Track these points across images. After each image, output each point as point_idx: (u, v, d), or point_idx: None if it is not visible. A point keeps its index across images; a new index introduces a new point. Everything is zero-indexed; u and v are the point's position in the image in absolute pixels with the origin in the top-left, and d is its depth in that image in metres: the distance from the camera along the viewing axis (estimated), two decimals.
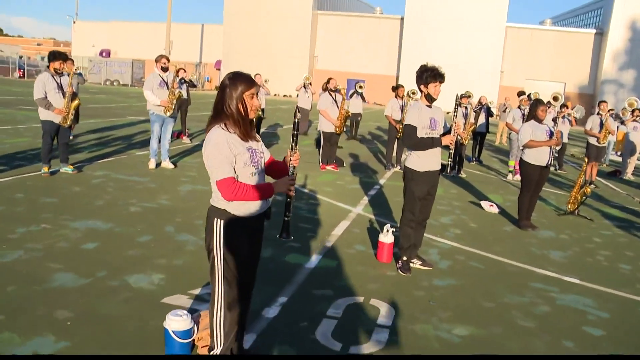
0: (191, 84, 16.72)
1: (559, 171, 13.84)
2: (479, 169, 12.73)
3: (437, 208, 8.13)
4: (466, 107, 11.57)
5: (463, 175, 11.48)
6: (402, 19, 49.87)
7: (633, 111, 14.08)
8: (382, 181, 10.04)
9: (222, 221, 2.89)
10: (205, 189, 7.94)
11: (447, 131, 5.39)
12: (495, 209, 8.28)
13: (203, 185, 8.19)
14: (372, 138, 18.32)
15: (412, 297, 4.58)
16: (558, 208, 8.90)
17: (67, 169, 8.34)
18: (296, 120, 3.09)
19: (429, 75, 4.97)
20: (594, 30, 47.96)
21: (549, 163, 7.29)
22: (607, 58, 45.89)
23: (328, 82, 10.61)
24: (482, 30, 46.69)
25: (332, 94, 10.55)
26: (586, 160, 9.55)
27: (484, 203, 8.44)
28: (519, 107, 11.88)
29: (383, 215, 7.38)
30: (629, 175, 13.92)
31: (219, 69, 51.35)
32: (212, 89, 51.07)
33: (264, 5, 49.98)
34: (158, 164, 9.44)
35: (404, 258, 5.24)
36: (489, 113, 14.05)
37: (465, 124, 11.23)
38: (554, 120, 8.33)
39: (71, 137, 11.49)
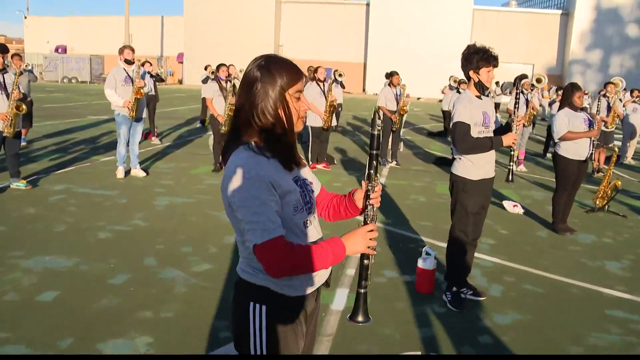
0: (158, 78, 15.42)
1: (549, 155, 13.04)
2: None
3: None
4: (522, 92, 10.57)
5: None
6: (367, 4, 48.85)
7: (632, 92, 13.33)
8: (382, 180, 8.98)
9: (265, 307, 1.74)
10: (186, 202, 6.75)
11: (500, 127, 4.30)
12: (519, 209, 7.31)
13: (182, 197, 6.99)
14: (353, 129, 17.24)
15: (478, 346, 3.53)
16: (582, 204, 7.97)
17: (19, 185, 7.02)
18: (376, 132, 1.92)
19: (480, 58, 3.91)
20: (560, 11, 47.86)
21: (588, 156, 6.34)
22: (574, 39, 45.82)
23: (316, 70, 9.47)
24: (449, 13, 46.04)
25: (320, 84, 9.41)
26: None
27: (506, 203, 7.45)
28: (521, 92, 10.93)
29: (400, 224, 6.32)
30: (629, 159, 13.19)
31: (181, 62, 49.50)
32: (175, 83, 49.23)
33: None
34: (127, 172, 8.18)
35: (454, 289, 4.18)
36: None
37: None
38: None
39: (24, 144, 10.10)
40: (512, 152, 5.40)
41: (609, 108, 10.94)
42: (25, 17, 59.41)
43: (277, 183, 1.66)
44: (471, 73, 3.97)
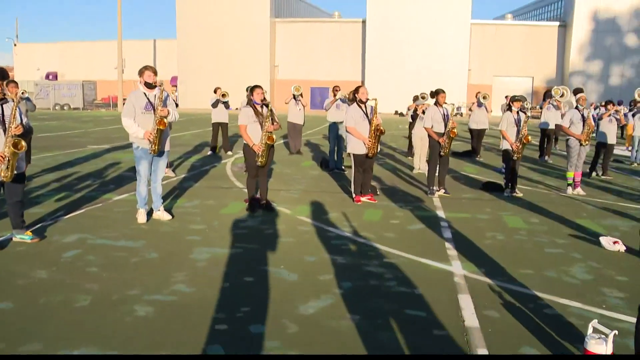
0: (226, 105, 14.37)
1: (602, 177, 11.95)
2: (524, 183, 10.63)
3: (546, 252, 5.97)
4: (578, 108, 9.62)
5: (519, 194, 9.37)
6: (363, 21, 48.17)
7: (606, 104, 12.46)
8: (440, 213, 7.81)
9: None
10: (231, 254, 5.54)
11: None
12: (621, 246, 6.16)
13: (223, 247, 5.78)
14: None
15: None
16: None
17: (24, 237, 5.80)
18: None
19: None
20: (558, 23, 47.36)
21: None
22: (572, 50, 45.29)
23: (357, 90, 8.32)
24: (447, 28, 45.42)
25: (362, 105, 8.27)
26: None
27: (604, 240, 6.28)
28: (576, 107, 9.84)
29: (500, 275, 5.12)
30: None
31: (175, 86, 48.42)
32: None
33: (219, 16, 47.38)
34: (149, 214, 6.97)
35: None
36: None
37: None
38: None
39: None
40: None
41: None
42: (15, 45, 58.30)
43: None
44: None
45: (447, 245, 6.13)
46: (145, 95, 6.71)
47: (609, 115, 11.94)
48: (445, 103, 9.13)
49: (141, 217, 6.82)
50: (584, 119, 9.61)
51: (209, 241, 6.01)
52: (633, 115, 15.26)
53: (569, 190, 9.78)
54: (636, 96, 15.97)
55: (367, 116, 8.19)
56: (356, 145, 8.20)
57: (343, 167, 11.86)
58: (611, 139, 11.97)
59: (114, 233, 6.26)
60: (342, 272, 5.05)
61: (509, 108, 9.48)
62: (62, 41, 57.33)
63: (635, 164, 14.40)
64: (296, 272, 5.00)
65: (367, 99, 8.27)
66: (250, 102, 7.47)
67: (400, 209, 8.01)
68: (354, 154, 8.27)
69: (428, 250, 5.89)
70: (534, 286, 4.84)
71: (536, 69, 47.28)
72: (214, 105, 14.31)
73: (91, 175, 10.35)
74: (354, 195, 8.43)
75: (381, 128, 8.04)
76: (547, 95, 14.10)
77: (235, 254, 5.56)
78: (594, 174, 12.03)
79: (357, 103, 8.29)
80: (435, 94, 9.17)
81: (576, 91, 10.78)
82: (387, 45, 46.16)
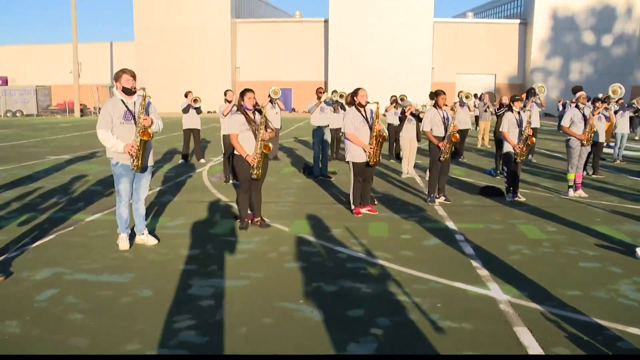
0: (198, 110, 13.50)
1: (593, 176, 11.63)
2: (520, 186, 10.13)
3: (582, 267, 5.43)
4: (578, 107, 9.19)
5: (522, 198, 8.89)
6: (325, 21, 47.64)
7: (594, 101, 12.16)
8: (450, 224, 7.20)
9: None
10: (237, 287, 4.77)
11: None
12: None
13: (227, 278, 5.01)
14: None
15: None
16: None
17: None
18: None
19: None
20: (518, 21, 47.87)
21: None
22: (533, 47, 45.88)
23: (355, 93, 7.63)
24: (410, 26, 45.35)
25: (362, 109, 7.59)
26: None
27: None
28: (576, 106, 9.41)
29: (547, 299, 4.50)
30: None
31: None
32: None
33: (178, 17, 46.06)
34: (131, 238, 6.12)
35: None
36: None
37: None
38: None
39: None
40: None
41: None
42: None
43: None
44: None
45: (474, 263, 5.51)
46: (124, 102, 5.86)
47: (599, 113, 11.62)
48: (446, 105, 8.54)
49: (123, 243, 5.97)
50: (585, 118, 9.19)
51: (207, 271, 5.22)
52: (615, 113, 15.06)
53: (570, 192, 9.35)
54: (610, 93, 15.85)
55: (368, 121, 7.53)
56: (356, 152, 7.52)
57: (329, 174, 11.19)
58: (601, 137, 11.67)
59: (94, 264, 5.40)
60: (372, 305, 4.36)
61: (510, 108, 8.97)
62: (12, 44, 54.89)
63: (618, 161, 14.21)
64: (320, 308, 4.29)
65: (367, 102, 7.60)
66: (240, 108, 6.70)
67: (405, 221, 7.37)
68: (353, 162, 7.58)
69: (456, 271, 5.26)
70: (590, 311, 4.26)
71: (498, 66, 47.70)
72: (185, 110, 13.42)
73: (56, 192, 9.37)
74: (352, 207, 7.76)
75: (384, 134, 7.38)
76: (531, 93, 13.73)
77: (241, 287, 4.80)
78: (584, 173, 11.68)
79: (355, 107, 7.61)
80: (435, 95, 8.57)
81: (575, 89, 10.37)
82: (350, 44, 45.77)
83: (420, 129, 8.47)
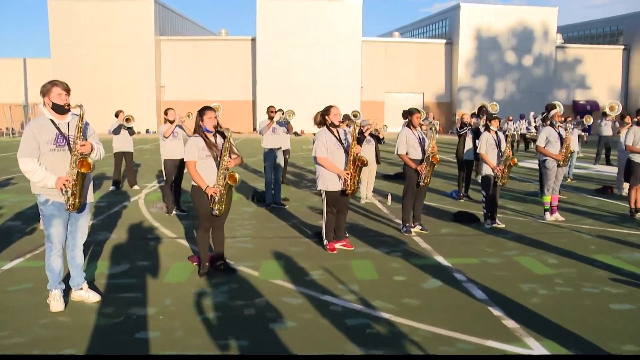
0: (131, 131, 12.16)
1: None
2: (500, 211, 9.52)
3: (615, 310, 4.70)
4: (553, 125, 8.60)
5: (501, 225, 8.22)
6: (253, 39, 46.66)
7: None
8: (440, 259, 6.34)
9: None
10: None
11: None
12: None
13: (199, 349, 3.86)
14: (299, 179, 14.49)
15: None
16: None
17: None
18: None
19: None
20: (444, 41, 48.88)
21: None
22: (460, 66, 46.87)
23: (327, 111, 6.65)
24: (338, 45, 45.21)
25: (334, 130, 6.64)
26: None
27: None
28: (550, 124, 8.89)
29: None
30: (625, 191, 11.74)
31: None
32: None
33: (98, 33, 43.56)
34: (64, 293, 4.82)
35: None
36: (477, 135, 11.06)
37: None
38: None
39: None
40: None
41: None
42: None
43: None
44: None
45: (494, 312, 4.64)
46: (54, 123, 4.61)
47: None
48: (421, 125, 7.75)
49: (56, 302, 4.66)
50: (561, 137, 8.69)
51: (173, 340, 4.04)
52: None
53: (547, 216, 8.80)
54: (607, 109, 16.11)
55: (342, 143, 6.58)
56: (329, 180, 6.54)
57: (282, 202, 10.14)
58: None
59: (21, 337, 4.09)
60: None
61: (487, 128, 8.32)
62: None
63: (569, 179, 14.01)
64: None
65: (340, 122, 6.66)
66: (199, 130, 5.57)
67: (389, 257, 6.44)
68: (326, 191, 6.59)
69: (479, 323, 4.36)
70: None
71: (426, 85, 48.34)
72: (116, 131, 12.00)
73: None
74: (325, 242, 6.75)
75: (363, 158, 6.45)
76: (482, 111, 13.31)
77: None
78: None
79: (327, 127, 6.65)
80: (408, 114, 7.76)
81: (549, 107, 9.91)
82: (277, 62, 44.98)
83: (396, 152, 7.62)
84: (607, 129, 17.91)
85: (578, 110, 45.09)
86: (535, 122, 23.76)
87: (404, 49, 48.46)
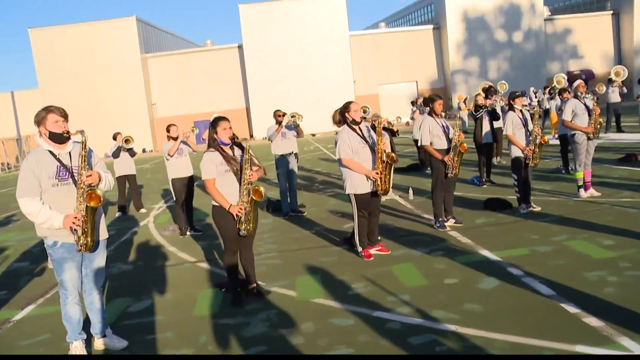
0: (132, 152, 11.68)
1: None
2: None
3: None
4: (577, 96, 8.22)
5: (537, 208, 7.73)
6: (239, 46, 46.16)
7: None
8: (486, 254, 5.85)
9: None
10: None
11: None
12: None
13: None
14: (320, 184, 13.98)
15: None
16: None
17: None
18: None
19: None
20: (432, 26, 48.37)
21: None
22: (450, 50, 46.38)
23: (346, 108, 6.15)
24: (325, 43, 44.76)
25: (357, 128, 6.14)
26: None
27: None
28: (575, 96, 8.40)
29: None
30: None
31: None
32: None
33: (84, 58, 43.01)
34: (86, 343, 4.33)
35: None
36: (493, 116, 10.55)
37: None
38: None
39: None
40: None
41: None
42: None
43: None
44: None
45: (570, 309, 4.14)
46: (53, 154, 4.10)
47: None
48: (443, 112, 7.25)
49: (76, 350, 4.16)
50: (588, 109, 8.20)
51: None
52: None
53: (582, 193, 8.30)
54: (555, 82, 15.37)
55: (367, 141, 6.08)
56: (357, 182, 6.04)
57: (300, 209, 9.64)
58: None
59: None
60: None
61: (511, 107, 7.82)
62: None
63: None
64: None
65: (362, 119, 6.16)
66: (214, 144, 5.07)
67: (431, 257, 5.94)
68: (355, 195, 6.09)
69: (558, 325, 3.87)
70: None
71: (419, 73, 47.87)
72: (116, 154, 11.49)
73: None
74: (359, 250, 6.25)
75: (392, 154, 5.95)
76: (491, 91, 12.80)
77: None
78: (570, 168, 10.76)
79: (347, 125, 6.15)
80: (429, 101, 7.27)
81: (572, 78, 9.39)
82: (267, 67, 44.51)
83: (419, 143, 7.13)
84: (614, 96, 17.42)
85: (574, 80, 44.57)
86: (536, 97, 23.24)
87: (392, 39, 47.98)
